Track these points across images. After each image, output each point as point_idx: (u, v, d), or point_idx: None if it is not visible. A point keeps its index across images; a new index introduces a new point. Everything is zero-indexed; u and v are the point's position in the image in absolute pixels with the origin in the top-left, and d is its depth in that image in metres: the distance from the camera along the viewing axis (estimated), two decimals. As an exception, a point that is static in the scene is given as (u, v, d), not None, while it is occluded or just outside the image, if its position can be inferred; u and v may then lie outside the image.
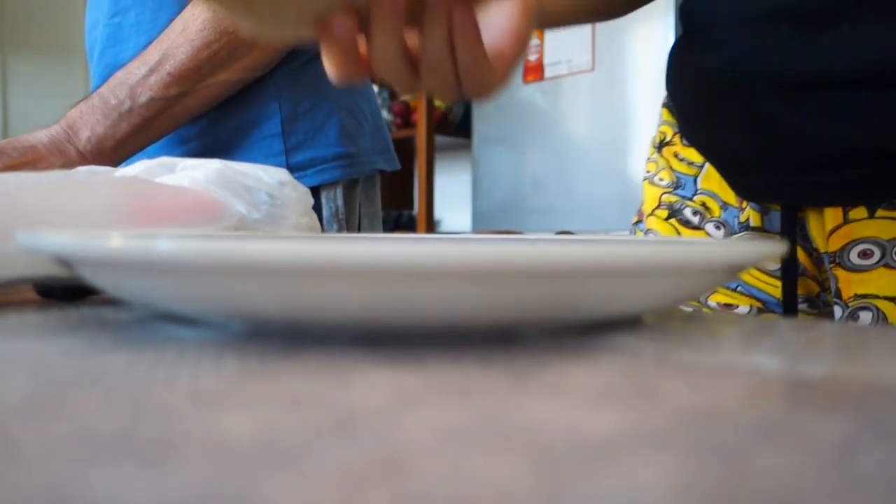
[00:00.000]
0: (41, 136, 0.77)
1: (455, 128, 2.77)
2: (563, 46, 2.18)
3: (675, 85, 0.59)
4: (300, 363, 0.21)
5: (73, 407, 0.16)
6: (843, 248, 0.42)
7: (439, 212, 3.12)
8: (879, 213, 0.41)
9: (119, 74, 0.78)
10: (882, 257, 0.40)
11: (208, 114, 0.86)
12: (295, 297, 0.22)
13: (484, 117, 2.43)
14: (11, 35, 3.34)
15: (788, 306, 0.48)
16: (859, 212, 0.42)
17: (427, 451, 0.13)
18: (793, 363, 0.22)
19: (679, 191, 0.56)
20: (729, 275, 0.29)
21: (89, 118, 0.77)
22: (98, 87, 0.80)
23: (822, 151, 0.42)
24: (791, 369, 0.21)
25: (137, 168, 0.49)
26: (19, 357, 0.22)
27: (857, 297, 0.41)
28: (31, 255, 0.32)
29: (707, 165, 0.55)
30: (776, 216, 0.50)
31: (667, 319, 0.31)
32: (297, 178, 0.86)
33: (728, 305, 0.54)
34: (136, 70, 0.77)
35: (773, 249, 0.28)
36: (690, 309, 0.54)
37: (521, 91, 2.30)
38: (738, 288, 0.53)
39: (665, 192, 0.57)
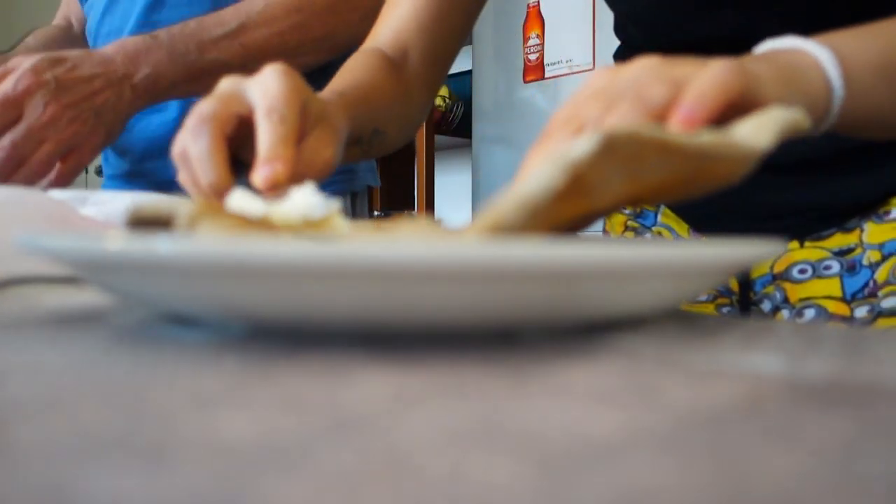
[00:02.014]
0: (98, 66, 0.76)
1: (455, 128, 2.77)
2: (564, 46, 2.18)
3: None
4: (300, 363, 0.21)
5: (73, 407, 0.16)
6: (787, 269, 0.60)
7: (439, 212, 3.12)
8: (807, 244, 0.60)
9: (192, 25, 0.80)
10: (814, 272, 0.59)
11: None
12: (295, 297, 0.22)
13: (484, 117, 2.43)
14: (8, 34, 3.34)
15: (743, 307, 0.64)
16: (794, 244, 0.60)
17: (427, 452, 0.13)
18: (794, 365, 0.22)
19: (640, 219, 0.70)
20: (729, 275, 0.29)
21: (154, 56, 0.78)
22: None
23: (765, 211, 0.61)
24: (792, 371, 0.21)
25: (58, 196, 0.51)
26: (19, 357, 0.22)
27: (801, 300, 0.59)
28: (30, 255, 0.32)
29: (663, 207, 0.69)
30: None
31: (667, 320, 0.31)
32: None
33: None
34: (211, 29, 0.79)
35: (771, 250, 0.28)
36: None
37: (521, 91, 2.30)
38: None
39: (629, 219, 0.70)
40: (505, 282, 0.21)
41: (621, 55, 0.70)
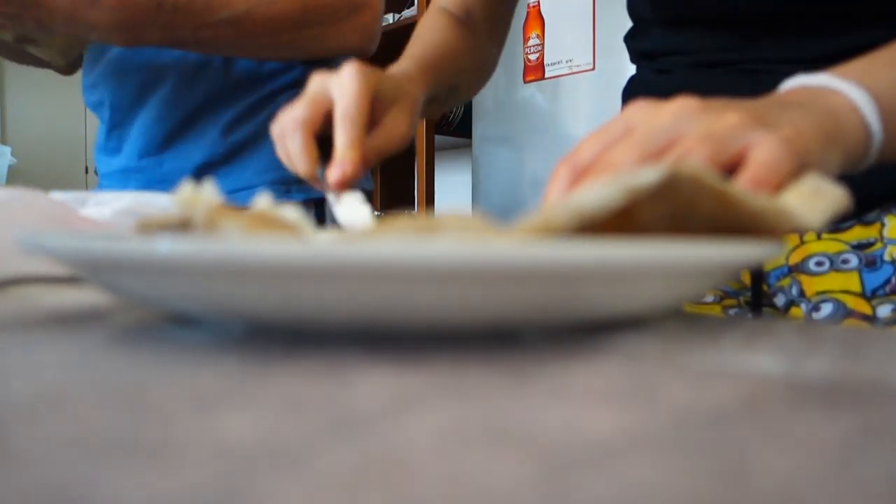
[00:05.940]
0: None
1: (455, 128, 2.77)
2: (564, 46, 2.18)
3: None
4: (300, 363, 0.21)
5: (73, 407, 0.16)
6: (803, 261, 0.59)
7: (439, 212, 3.11)
8: (824, 236, 0.58)
9: (200, 3, 0.78)
10: (832, 265, 0.57)
11: (223, 120, 0.86)
12: (295, 297, 0.22)
13: (484, 117, 2.43)
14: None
15: (755, 302, 0.63)
16: (811, 236, 0.59)
17: (427, 451, 0.13)
18: (794, 365, 0.22)
19: None
20: (729, 275, 0.29)
21: (147, 31, 0.78)
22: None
23: None
24: (792, 371, 0.21)
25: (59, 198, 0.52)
26: (19, 357, 0.22)
27: (818, 293, 0.58)
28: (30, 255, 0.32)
29: None
30: None
31: (668, 320, 0.31)
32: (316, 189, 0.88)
33: None
34: (217, 10, 0.78)
35: (771, 250, 0.28)
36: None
37: (521, 91, 2.30)
38: None
39: None
40: (505, 282, 0.21)
41: (632, 37, 0.71)
